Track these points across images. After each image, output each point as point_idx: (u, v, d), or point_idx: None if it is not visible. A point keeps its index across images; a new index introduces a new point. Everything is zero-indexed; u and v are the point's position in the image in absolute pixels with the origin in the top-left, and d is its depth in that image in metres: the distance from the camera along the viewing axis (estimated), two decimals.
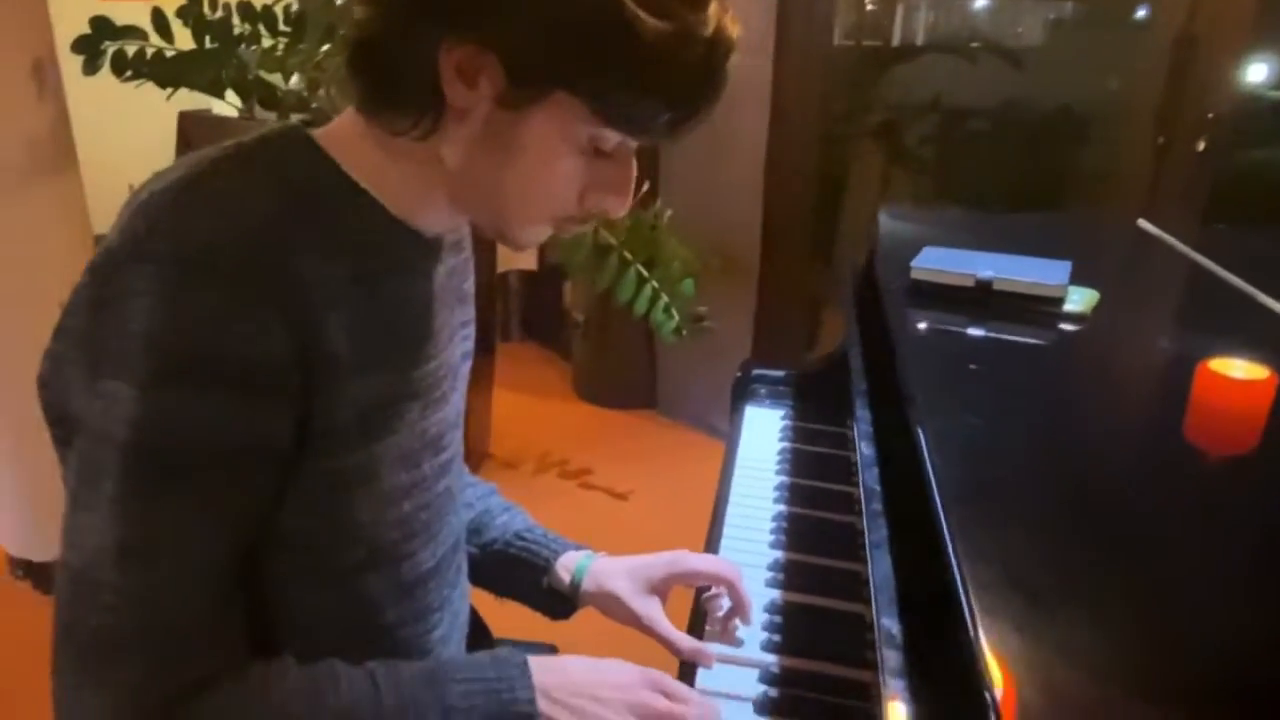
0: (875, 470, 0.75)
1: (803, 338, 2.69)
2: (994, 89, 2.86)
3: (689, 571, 0.84)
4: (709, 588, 0.86)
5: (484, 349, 2.49)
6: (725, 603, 0.85)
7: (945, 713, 0.51)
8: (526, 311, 3.45)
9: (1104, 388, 0.87)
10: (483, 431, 2.59)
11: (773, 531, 1.00)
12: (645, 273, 1.97)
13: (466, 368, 0.79)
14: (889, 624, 0.57)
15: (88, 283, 0.55)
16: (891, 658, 0.55)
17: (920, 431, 0.66)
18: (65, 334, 0.57)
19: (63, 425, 0.58)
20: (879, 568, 0.64)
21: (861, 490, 0.75)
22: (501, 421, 2.65)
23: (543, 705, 0.64)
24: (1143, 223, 1.27)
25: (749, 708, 0.75)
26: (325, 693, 0.59)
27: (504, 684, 0.64)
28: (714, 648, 0.81)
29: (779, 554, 0.95)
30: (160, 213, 0.54)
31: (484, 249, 2.38)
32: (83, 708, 0.54)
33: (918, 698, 0.54)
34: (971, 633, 0.46)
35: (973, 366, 0.88)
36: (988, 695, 0.42)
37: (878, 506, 0.70)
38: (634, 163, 0.63)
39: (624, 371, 2.94)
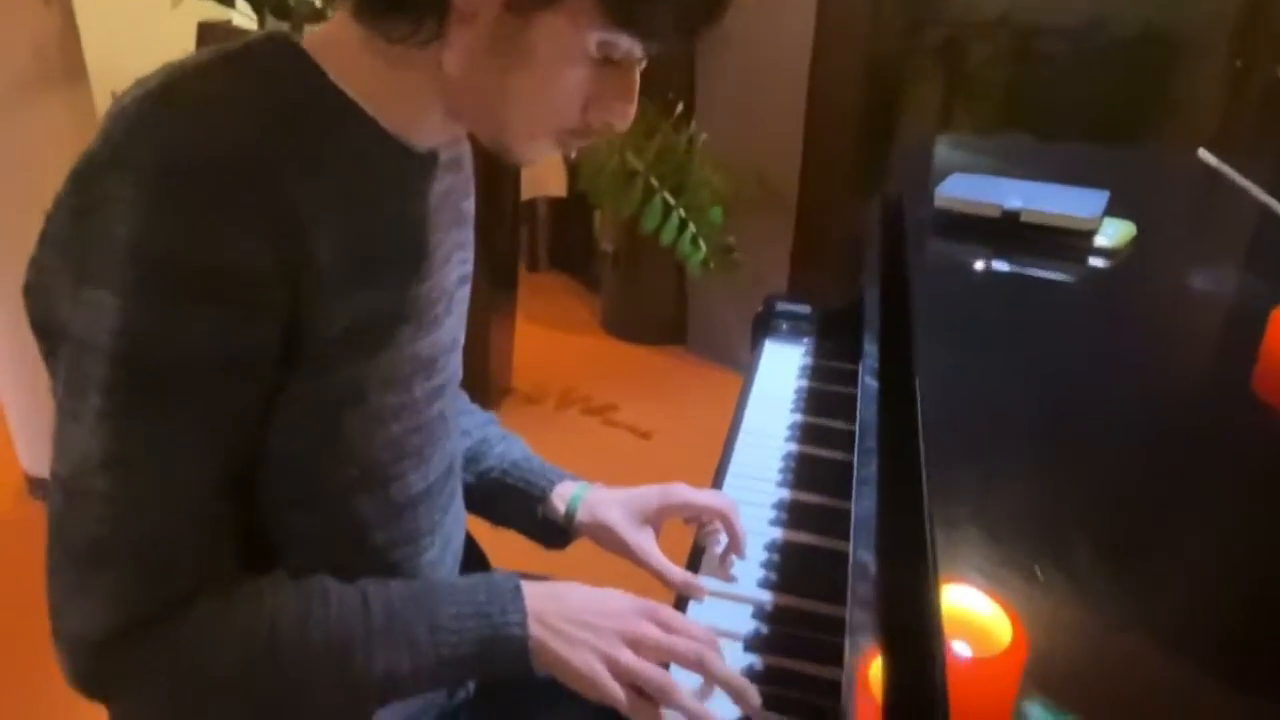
0: (874, 406, 0.77)
1: (843, 274, 2.66)
2: (1069, 4, 2.74)
3: (681, 503, 0.87)
4: (710, 522, 0.89)
5: (507, 279, 2.50)
6: (724, 537, 0.88)
7: (911, 653, 0.52)
8: (554, 241, 3.44)
9: (1123, 328, 0.87)
10: (504, 365, 2.62)
11: (781, 470, 1.02)
12: (672, 200, 1.96)
13: (464, 291, 0.80)
14: (864, 557, 0.59)
15: (70, 190, 0.57)
16: (862, 590, 0.57)
17: (916, 367, 0.67)
18: (48, 242, 0.59)
19: (49, 335, 0.60)
20: (863, 503, 0.65)
21: (858, 425, 0.76)
22: (524, 355, 2.68)
23: (534, 629, 0.65)
24: (1203, 153, 1.23)
25: (739, 645, 0.78)
26: (315, 610, 0.62)
27: (495, 606, 0.66)
28: (708, 582, 0.84)
29: (785, 493, 0.98)
30: (139, 119, 0.55)
31: (508, 174, 2.39)
32: (74, 613, 0.57)
33: (888, 638, 0.56)
34: (931, 571, 0.47)
35: (986, 302, 0.88)
36: (935, 641, 0.44)
37: (871, 443, 0.72)
38: (638, 74, 0.63)
39: (653, 306, 2.95)
